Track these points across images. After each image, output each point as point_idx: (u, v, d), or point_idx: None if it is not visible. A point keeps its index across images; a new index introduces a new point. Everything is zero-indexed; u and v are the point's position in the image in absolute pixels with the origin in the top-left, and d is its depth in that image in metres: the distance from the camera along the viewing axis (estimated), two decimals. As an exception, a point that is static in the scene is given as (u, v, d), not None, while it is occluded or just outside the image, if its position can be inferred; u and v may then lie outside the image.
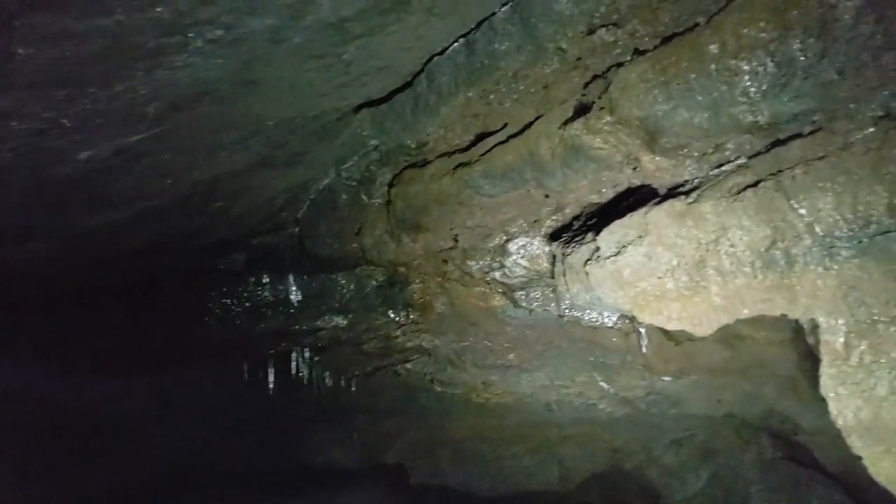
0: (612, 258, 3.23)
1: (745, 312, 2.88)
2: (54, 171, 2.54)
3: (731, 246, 2.85)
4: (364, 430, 6.61)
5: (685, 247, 2.98)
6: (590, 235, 3.49)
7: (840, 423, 2.68)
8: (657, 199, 3.17)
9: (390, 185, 4.67)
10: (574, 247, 3.66)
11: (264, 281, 5.59)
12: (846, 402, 2.64)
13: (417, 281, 5.46)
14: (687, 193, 3.05)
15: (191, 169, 3.17)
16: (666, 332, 4.19)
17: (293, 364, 5.93)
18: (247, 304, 5.62)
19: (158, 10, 1.71)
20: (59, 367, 5.54)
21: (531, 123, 3.62)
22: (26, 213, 2.82)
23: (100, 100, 2.09)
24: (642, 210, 3.17)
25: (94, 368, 6.08)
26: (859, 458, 2.70)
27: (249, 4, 1.85)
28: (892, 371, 2.55)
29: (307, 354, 5.98)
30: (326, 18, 2.13)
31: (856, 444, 2.65)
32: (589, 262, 3.40)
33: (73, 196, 2.90)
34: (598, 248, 3.33)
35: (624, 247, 3.18)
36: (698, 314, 3.01)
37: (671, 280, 3.04)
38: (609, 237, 3.26)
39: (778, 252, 2.79)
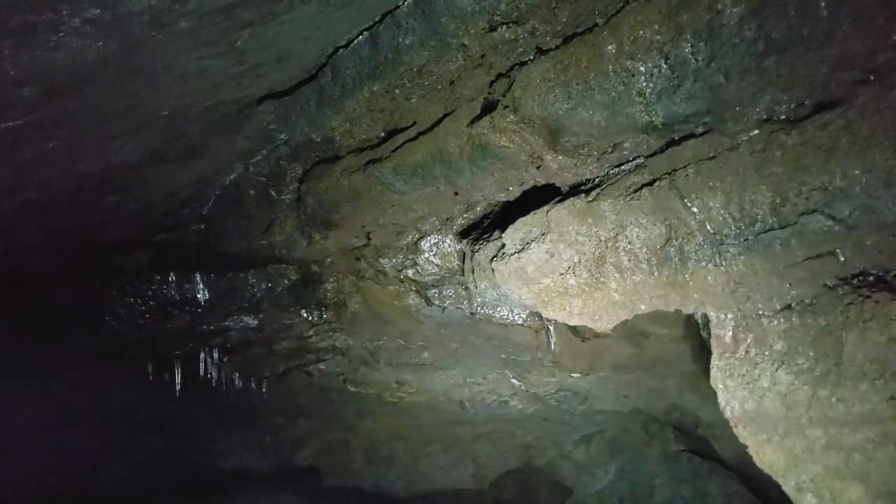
0: (517, 255, 3.25)
1: (643, 308, 2.96)
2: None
3: (629, 243, 2.93)
4: (276, 432, 6.45)
5: (586, 244, 3.03)
6: (496, 233, 3.51)
7: (728, 413, 2.79)
8: (559, 198, 3.22)
9: (300, 181, 4.55)
10: (482, 244, 3.67)
11: (170, 279, 5.33)
12: (733, 393, 2.75)
13: (331, 280, 5.36)
14: (587, 192, 3.10)
15: (77, 160, 2.98)
16: (574, 330, 4.27)
17: (201, 365, 5.70)
18: (151, 304, 5.35)
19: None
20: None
21: (440, 121, 3.61)
22: None
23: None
24: (545, 208, 3.21)
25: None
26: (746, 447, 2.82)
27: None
28: (774, 363, 2.68)
29: (216, 355, 5.77)
30: (212, 3, 2.03)
31: (742, 434, 2.77)
32: (495, 259, 3.42)
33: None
34: (503, 245, 3.36)
35: (527, 244, 3.22)
36: (598, 310, 3.08)
37: (573, 276, 3.09)
38: (513, 234, 3.29)
39: (672, 249, 2.88)
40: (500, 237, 3.36)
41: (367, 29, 2.95)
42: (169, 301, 5.41)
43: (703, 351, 4.04)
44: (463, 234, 4.19)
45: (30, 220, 3.39)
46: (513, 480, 6.19)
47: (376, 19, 2.89)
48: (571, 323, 3.24)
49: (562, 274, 3.10)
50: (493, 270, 3.39)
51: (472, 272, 3.76)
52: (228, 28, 2.27)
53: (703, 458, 5.33)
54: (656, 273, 2.89)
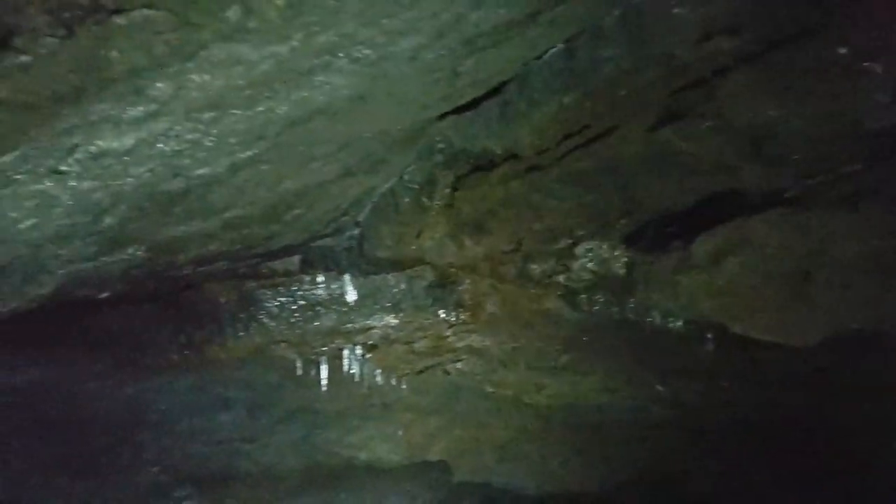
0: (706, 267, 3.21)
1: (853, 325, 2.86)
2: (169, 185, 2.52)
3: (840, 256, 2.84)
4: (409, 427, 6.62)
5: (787, 258, 2.96)
6: (677, 243, 3.48)
7: None
8: (753, 208, 3.15)
9: (453, 189, 4.64)
10: (657, 254, 3.64)
11: (318, 280, 5.59)
12: None
13: (468, 282, 5.45)
14: (787, 202, 3.02)
15: (282, 180, 3.15)
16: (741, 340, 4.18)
17: (345, 362, 5.94)
18: (301, 303, 5.62)
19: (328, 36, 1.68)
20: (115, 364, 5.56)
21: (615, 126, 3.59)
22: (129, 225, 2.81)
23: (240, 121, 2.06)
24: (738, 219, 3.15)
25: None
26: None
27: (409, 25, 1.82)
28: None
29: (359, 352, 5.98)
30: (467, 35, 2.10)
31: None
32: (677, 271, 3.39)
33: (171, 209, 2.89)
34: (689, 257, 3.32)
35: (719, 256, 3.17)
36: (799, 325, 3.00)
37: (771, 291, 3.02)
38: (702, 246, 3.24)
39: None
40: (686, 248, 3.32)
41: (565, 41, 2.96)
42: (318, 301, 5.67)
43: None
44: (625, 241, 4.16)
45: (225, 234, 3.61)
46: (645, 487, 6.14)
47: (577, 32, 2.89)
48: (763, 338, 3.18)
49: (757, 288, 3.03)
50: (675, 282, 3.36)
51: (646, 282, 3.74)
52: (462, 55, 2.34)
53: None
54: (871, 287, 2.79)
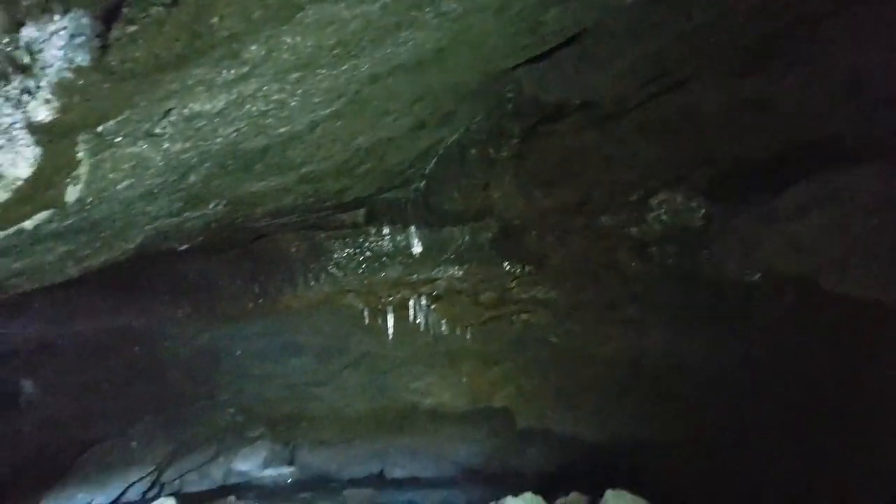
0: (791, 220, 3.09)
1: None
2: (252, 143, 2.56)
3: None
4: (473, 375, 6.74)
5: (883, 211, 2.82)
6: (759, 195, 3.35)
7: None
8: (846, 158, 3.00)
9: (521, 140, 4.56)
10: (737, 206, 3.52)
11: (384, 232, 5.65)
12: None
13: (534, 234, 5.41)
14: (885, 152, 2.86)
15: (356, 135, 3.16)
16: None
17: (411, 312, 6.04)
18: (368, 254, 5.71)
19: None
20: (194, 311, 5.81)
21: (696, 73, 3.43)
22: (212, 182, 2.88)
23: (325, 79, 2.06)
24: (828, 170, 3.00)
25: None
26: None
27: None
28: None
29: (424, 302, 6.07)
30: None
31: None
32: (760, 224, 3.28)
33: (253, 165, 2.94)
34: (772, 210, 3.20)
35: (806, 209, 3.04)
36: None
37: (861, 244, 2.89)
38: (787, 198, 3.12)
39: None
40: (769, 201, 3.20)
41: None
42: (384, 252, 5.75)
43: None
44: (705, 193, 4.04)
45: (299, 188, 3.67)
46: (709, 443, 6.09)
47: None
48: (854, 293, 3.06)
49: (850, 242, 2.91)
50: (756, 236, 3.25)
51: (721, 235, 3.63)
52: (548, 4, 2.26)
53: None
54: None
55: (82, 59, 1.39)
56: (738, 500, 5.07)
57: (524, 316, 6.05)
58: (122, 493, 6.65)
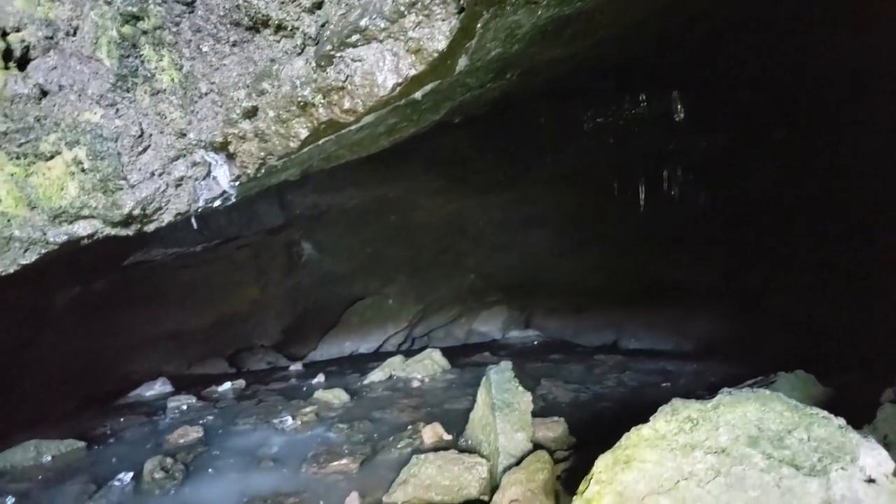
0: None
1: None
2: (572, 7, 2.42)
3: None
4: (727, 253, 6.36)
5: None
6: None
7: None
8: None
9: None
10: None
11: (640, 100, 5.31)
12: None
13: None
14: None
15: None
16: None
17: (664, 183, 5.75)
18: (620, 123, 5.43)
19: None
20: (447, 183, 6.03)
21: None
22: (528, 50, 2.81)
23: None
24: None
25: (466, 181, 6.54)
26: None
27: None
28: None
29: (679, 173, 5.73)
30: None
31: None
32: None
33: (564, 29, 2.82)
34: None
35: None
36: None
37: None
38: None
39: None
40: None
41: None
42: (637, 120, 5.42)
43: None
44: None
45: (596, 52, 3.50)
46: None
47: None
48: None
49: None
50: None
51: None
52: None
53: None
54: None
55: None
56: None
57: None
58: (381, 346, 7.46)
